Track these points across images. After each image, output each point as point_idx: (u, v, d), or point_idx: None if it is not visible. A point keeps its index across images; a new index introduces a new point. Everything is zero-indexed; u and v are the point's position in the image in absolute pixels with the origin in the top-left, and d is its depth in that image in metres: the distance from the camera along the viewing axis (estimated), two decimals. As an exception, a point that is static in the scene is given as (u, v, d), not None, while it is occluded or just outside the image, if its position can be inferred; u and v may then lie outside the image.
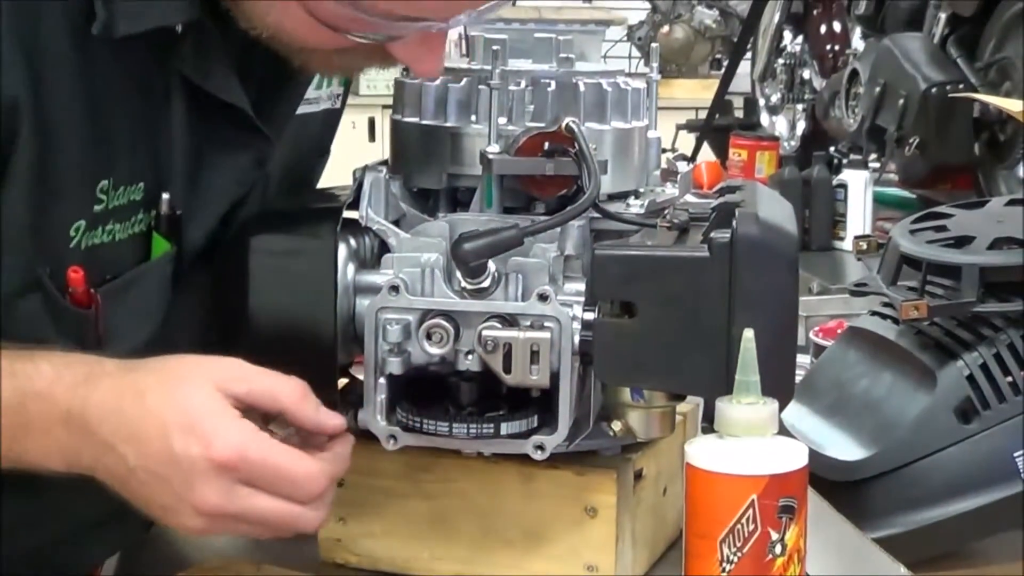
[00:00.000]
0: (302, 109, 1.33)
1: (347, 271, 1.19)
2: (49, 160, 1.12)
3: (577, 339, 1.14)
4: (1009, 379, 1.43)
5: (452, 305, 1.16)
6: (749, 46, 4.39)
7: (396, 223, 1.22)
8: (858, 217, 3.32)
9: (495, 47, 1.21)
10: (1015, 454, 1.41)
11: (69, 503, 1.20)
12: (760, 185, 1.29)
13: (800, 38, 4.07)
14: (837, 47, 3.88)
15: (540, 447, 1.17)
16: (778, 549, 1.00)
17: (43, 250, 1.14)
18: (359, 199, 1.23)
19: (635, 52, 7.05)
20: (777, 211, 1.17)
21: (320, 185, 1.41)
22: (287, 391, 1.10)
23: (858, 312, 1.69)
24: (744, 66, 4.41)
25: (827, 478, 1.41)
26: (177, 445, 1.05)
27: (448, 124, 1.24)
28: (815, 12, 4.00)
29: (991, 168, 3.01)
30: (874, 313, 1.59)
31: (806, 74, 4.02)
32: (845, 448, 1.47)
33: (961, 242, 1.52)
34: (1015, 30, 2.91)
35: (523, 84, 1.23)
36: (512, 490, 1.23)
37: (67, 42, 1.11)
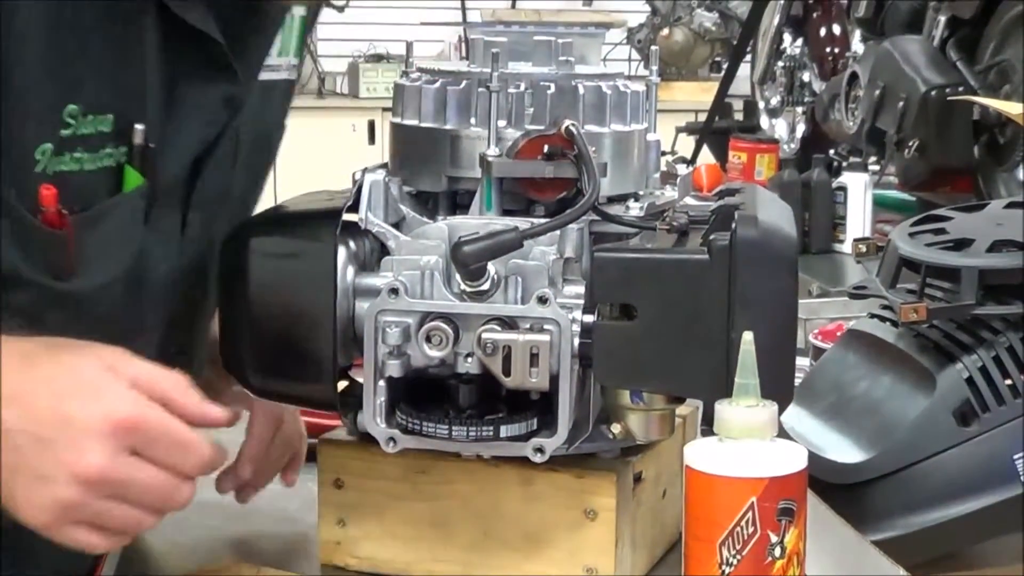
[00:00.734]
0: (265, 75, 1.33)
1: (347, 273, 1.19)
2: (10, 75, 1.10)
3: (577, 342, 1.14)
4: (1008, 382, 1.43)
5: (452, 308, 1.16)
6: (749, 49, 4.39)
7: (396, 226, 1.22)
8: (858, 220, 3.33)
9: (494, 50, 1.21)
10: (1014, 457, 1.41)
11: None
12: (760, 188, 1.29)
13: (800, 41, 4.08)
14: (837, 50, 3.89)
15: (540, 449, 1.17)
16: (777, 552, 1.00)
17: (7, 170, 1.12)
18: (359, 202, 1.23)
19: (635, 55, 7.06)
20: (776, 214, 1.17)
21: (319, 187, 1.41)
22: (171, 380, 1.07)
23: (857, 315, 1.69)
24: (744, 69, 4.41)
25: (826, 480, 1.42)
26: (71, 406, 1.02)
27: (448, 127, 1.24)
28: (815, 15, 4.00)
29: (990, 171, 3.01)
30: (873, 316, 1.59)
31: (806, 77, 4.03)
32: (844, 451, 1.47)
33: (960, 245, 1.53)
34: (1015, 33, 2.91)
35: (523, 87, 1.23)
36: (512, 493, 1.23)
37: None
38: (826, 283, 2.99)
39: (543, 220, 1.17)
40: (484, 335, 1.14)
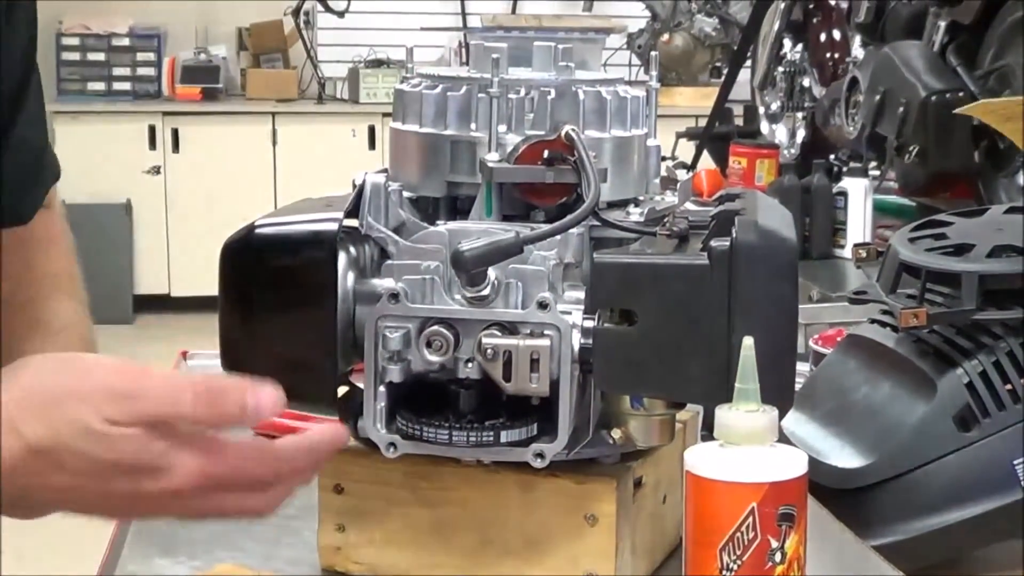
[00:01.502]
0: None
1: (347, 279, 1.19)
2: None
3: (577, 347, 1.14)
4: (1008, 387, 1.43)
5: (452, 313, 1.16)
6: (749, 54, 4.39)
7: (396, 231, 1.22)
8: (858, 225, 3.33)
9: (495, 55, 1.21)
10: (1015, 462, 1.41)
11: None
12: (760, 193, 1.29)
13: (800, 46, 4.07)
14: (837, 55, 3.89)
15: (540, 455, 1.17)
16: (778, 557, 1.00)
17: None
18: (359, 207, 1.23)
19: (635, 60, 7.07)
20: (777, 219, 1.17)
21: (319, 192, 1.41)
22: (190, 400, 1.00)
23: (858, 320, 1.69)
24: (744, 74, 4.41)
25: (827, 486, 1.42)
26: (124, 497, 1.00)
27: (448, 132, 1.24)
28: (815, 20, 4.00)
29: (991, 176, 3.01)
30: (873, 321, 1.59)
31: (806, 82, 4.03)
32: (845, 456, 1.47)
33: (960, 250, 1.52)
34: (1015, 38, 2.91)
35: (523, 92, 1.23)
36: (512, 498, 1.23)
37: None
38: (826, 288, 2.99)
39: (543, 225, 1.17)
40: (484, 340, 1.14)
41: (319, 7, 7.28)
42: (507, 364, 1.13)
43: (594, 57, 1.33)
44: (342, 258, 1.19)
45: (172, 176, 7.35)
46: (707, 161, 4.23)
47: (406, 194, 1.25)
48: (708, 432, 1.05)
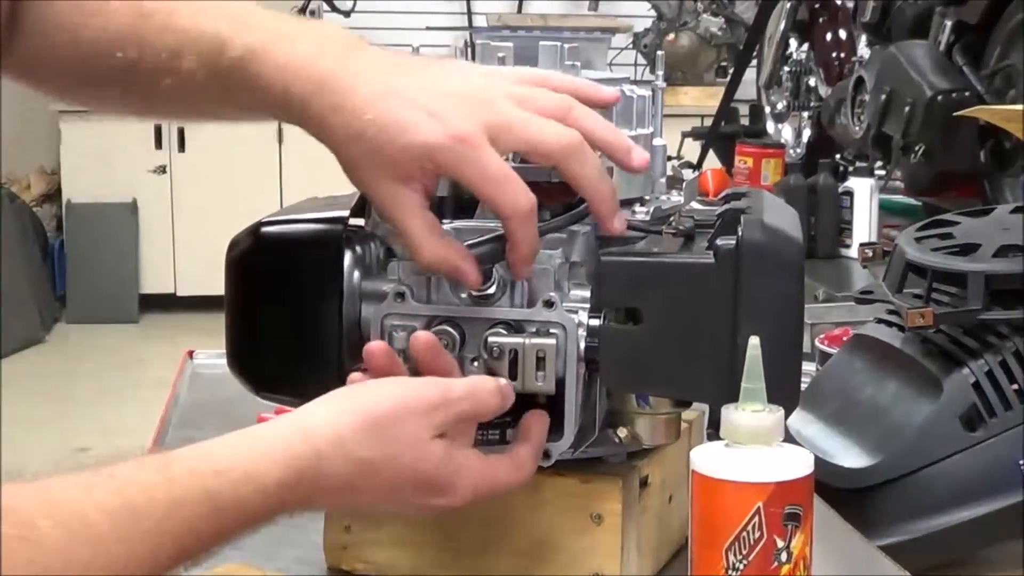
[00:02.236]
0: None
1: (352, 278, 1.19)
2: None
3: (583, 346, 1.14)
4: (1015, 387, 1.43)
5: (457, 312, 1.16)
6: (755, 54, 4.39)
7: (402, 230, 1.22)
8: (864, 224, 3.33)
9: (500, 55, 1.21)
10: (1021, 462, 1.41)
11: None
12: (766, 192, 1.29)
13: (806, 46, 4.08)
14: (843, 55, 3.89)
15: (546, 454, 1.16)
16: (784, 557, 1.00)
17: None
18: (365, 206, 1.23)
19: (641, 59, 7.07)
20: (783, 218, 1.17)
21: (326, 192, 1.41)
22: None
23: (864, 320, 1.69)
24: (750, 73, 4.42)
25: (833, 485, 1.42)
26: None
27: (454, 131, 1.23)
28: (821, 20, 4.00)
29: (997, 176, 3.01)
30: (880, 321, 1.59)
31: (812, 81, 4.03)
32: (851, 455, 1.47)
33: (967, 250, 1.52)
34: (1021, 37, 2.91)
35: (529, 91, 1.22)
36: (517, 497, 1.22)
37: None
38: (832, 288, 2.99)
39: (550, 221, 1.17)
40: (490, 339, 1.14)
41: (325, 6, 7.29)
42: (513, 363, 1.13)
43: (600, 57, 1.33)
44: (348, 257, 1.19)
45: (178, 175, 7.36)
46: (713, 160, 4.24)
47: (412, 193, 1.25)
48: (714, 431, 1.05)
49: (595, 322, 1.14)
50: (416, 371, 1.12)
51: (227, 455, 0.97)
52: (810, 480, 1.01)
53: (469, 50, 1.32)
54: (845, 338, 1.74)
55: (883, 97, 3.17)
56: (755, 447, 1.00)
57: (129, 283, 7.42)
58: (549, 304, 1.14)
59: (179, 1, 1.16)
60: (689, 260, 1.13)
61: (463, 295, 1.15)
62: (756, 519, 0.99)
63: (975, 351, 1.45)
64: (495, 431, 1.16)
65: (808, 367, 1.79)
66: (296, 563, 1.30)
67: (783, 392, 1.05)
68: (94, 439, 5.48)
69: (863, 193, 3.35)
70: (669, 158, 1.34)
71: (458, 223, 1.21)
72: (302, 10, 7.24)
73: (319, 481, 0.99)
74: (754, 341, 1.01)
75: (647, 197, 1.28)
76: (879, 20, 3.49)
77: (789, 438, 1.02)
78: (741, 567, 0.99)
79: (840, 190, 3.39)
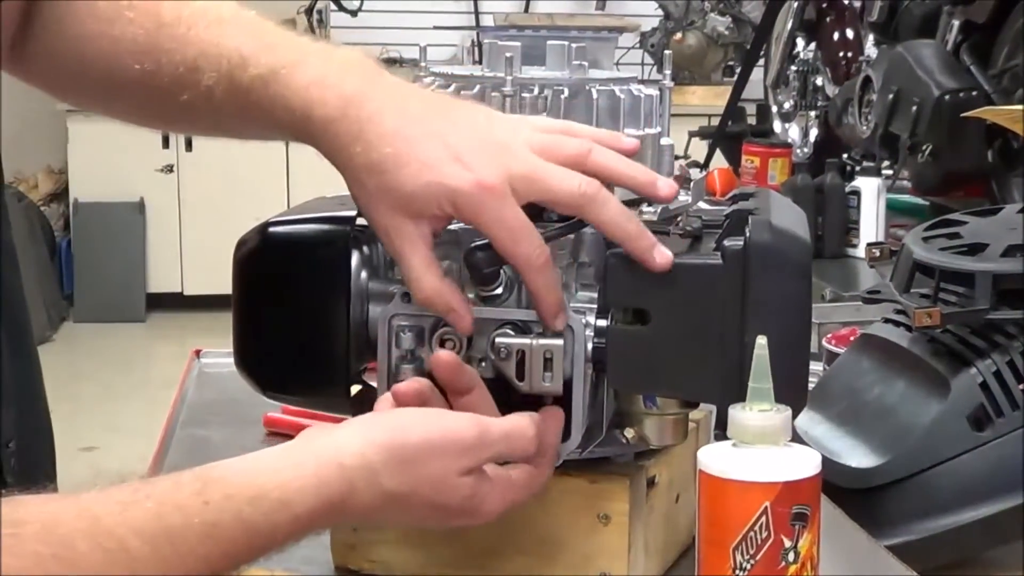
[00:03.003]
0: None
1: (360, 278, 1.19)
2: None
3: (590, 346, 1.14)
4: (1022, 386, 1.43)
5: (465, 312, 1.16)
6: (762, 53, 4.39)
7: (409, 230, 1.22)
8: (871, 224, 3.33)
9: (508, 54, 1.21)
10: (1029, 462, 1.41)
11: None
12: (773, 192, 1.29)
13: (813, 45, 4.07)
14: (850, 54, 3.88)
15: (553, 454, 1.16)
16: (791, 556, 1.00)
17: None
18: (372, 206, 1.23)
19: (648, 59, 7.07)
20: (790, 218, 1.17)
21: (334, 191, 1.41)
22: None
23: (871, 319, 1.69)
24: (757, 73, 4.41)
25: (840, 485, 1.41)
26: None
27: (461, 131, 1.23)
28: (828, 19, 4.00)
29: (1004, 175, 3.00)
30: (887, 320, 1.59)
31: (819, 81, 4.02)
32: (858, 455, 1.47)
33: (974, 249, 1.52)
34: (1029, 37, 2.91)
35: (536, 91, 1.23)
36: (525, 497, 1.23)
37: None
38: (839, 288, 2.99)
39: (557, 224, 1.17)
40: (497, 340, 1.14)
41: (332, 6, 7.29)
42: (520, 363, 1.13)
43: (607, 56, 1.33)
44: (355, 257, 1.19)
45: (185, 175, 7.36)
46: (720, 160, 4.23)
47: (419, 193, 1.25)
48: (721, 431, 1.05)
49: (602, 323, 1.14)
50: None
51: (262, 481, 0.98)
52: (817, 480, 1.01)
53: (476, 49, 1.31)
54: (852, 338, 1.73)
55: (890, 97, 3.17)
56: (762, 447, 1.00)
57: (136, 282, 7.42)
58: (556, 304, 1.14)
59: (199, 14, 1.16)
60: (697, 261, 1.13)
61: (470, 295, 1.15)
62: (763, 519, 0.99)
63: (983, 351, 1.44)
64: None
65: (815, 367, 1.78)
66: (303, 562, 1.30)
67: (790, 392, 1.05)
68: (101, 438, 5.49)
69: (870, 193, 3.35)
70: (676, 158, 1.34)
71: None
72: (308, 10, 7.24)
73: (348, 509, 1.02)
74: (761, 341, 1.01)
75: (654, 197, 1.28)
76: (886, 19, 3.49)
77: (796, 438, 1.02)
78: (748, 567, 0.99)
79: (847, 190, 3.39)
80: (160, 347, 7.02)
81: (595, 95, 1.23)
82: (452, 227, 1.19)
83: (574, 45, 1.26)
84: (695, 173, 1.35)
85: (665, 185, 1.15)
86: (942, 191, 3.25)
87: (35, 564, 0.85)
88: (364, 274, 1.20)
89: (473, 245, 1.12)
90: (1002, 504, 1.40)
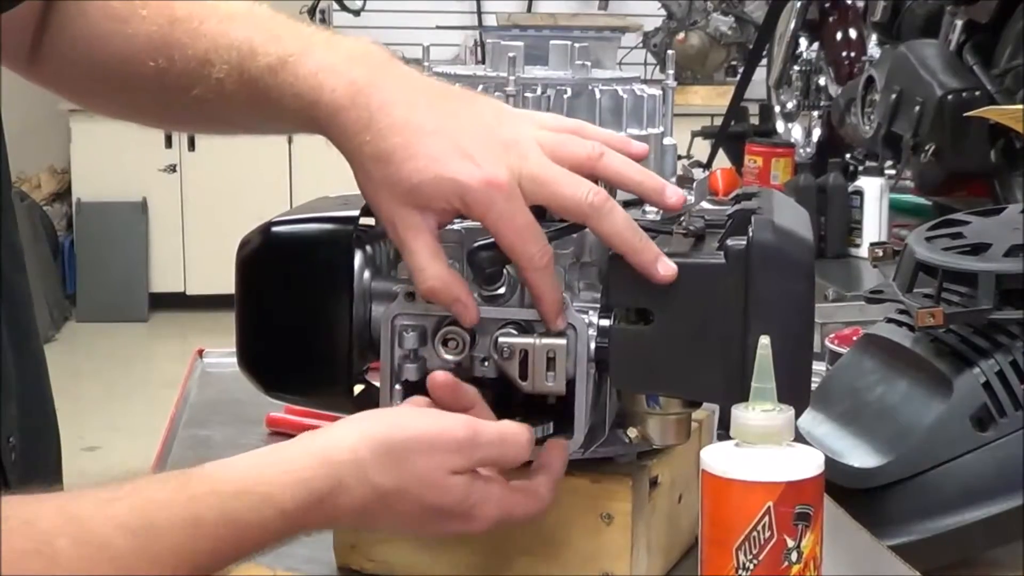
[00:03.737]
0: None
1: (363, 277, 1.19)
2: None
3: (593, 346, 1.14)
4: (1025, 387, 1.42)
5: (468, 312, 1.16)
6: (765, 53, 4.39)
7: (412, 229, 1.22)
8: (874, 224, 3.33)
9: (511, 54, 1.21)
10: (1031, 462, 1.41)
11: None
12: (776, 192, 1.29)
13: (816, 45, 4.07)
14: (853, 54, 3.89)
15: (556, 454, 1.16)
16: (794, 556, 0.99)
17: None
18: (375, 205, 1.23)
19: (651, 59, 7.06)
20: (793, 218, 1.17)
21: (337, 191, 1.42)
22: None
23: (874, 319, 1.69)
24: (760, 73, 4.41)
25: (843, 485, 1.41)
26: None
27: (464, 131, 1.23)
28: (831, 19, 4.00)
29: (1007, 175, 3.00)
30: (890, 320, 1.59)
31: (822, 81, 4.03)
32: (861, 455, 1.47)
33: (977, 249, 1.52)
34: (1032, 37, 2.90)
35: (539, 91, 1.23)
36: (528, 497, 1.23)
37: None
38: (842, 287, 2.99)
39: (559, 224, 1.17)
40: (500, 339, 1.14)
41: (335, 6, 7.30)
42: (523, 363, 1.13)
43: (609, 56, 1.33)
44: (358, 256, 1.19)
45: (188, 174, 7.36)
46: (723, 160, 4.23)
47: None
48: (724, 431, 1.05)
49: (605, 322, 1.14)
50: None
51: (248, 476, 0.98)
52: (820, 480, 1.01)
53: (479, 49, 1.31)
54: (855, 338, 1.73)
55: (893, 96, 3.17)
56: (765, 447, 1.00)
57: (139, 282, 7.43)
58: (559, 304, 1.14)
59: (209, 9, 1.16)
60: (700, 260, 1.12)
61: (473, 295, 1.15)
62: (766, 519, 0.98)
63: (986, 351, 1.44)
64: (506, 431, 1.16)
65: (818, 367, 1.78)
66: (305, 562, 1.30)
67: (793, 392, 1.05)
68: (104, 438, 5.49)
69: (873, 192, 3.35)
70: (679, 157, 1.34)
71: (469, 223, 1.20)
72: (311, 10, 7.25)
73: (338, 505, 1.01)
74: (764, 341, 1.01)
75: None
76: (889, 19, 3.49)
77: (799, 438, 1.02)
78: (751, 567, 0.99)
79: (850, 189, 3.39)
80: (162, 347, 7.03)
81: (598, 95, 1.23)
82: (455, 227, 1.19)
83: (577, 45, 1.27)
84: (698, 173, 1.35)
85: (674, 194, 1.14)
86: (945, 191, 3.25)
87: (17, 560, 0.84)
88: (367, 274, 1.20)
89: (476, 245, 1.12)
90: (1005, 504, 1.40)
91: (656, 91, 1.29)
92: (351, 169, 1.13)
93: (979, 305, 1.45)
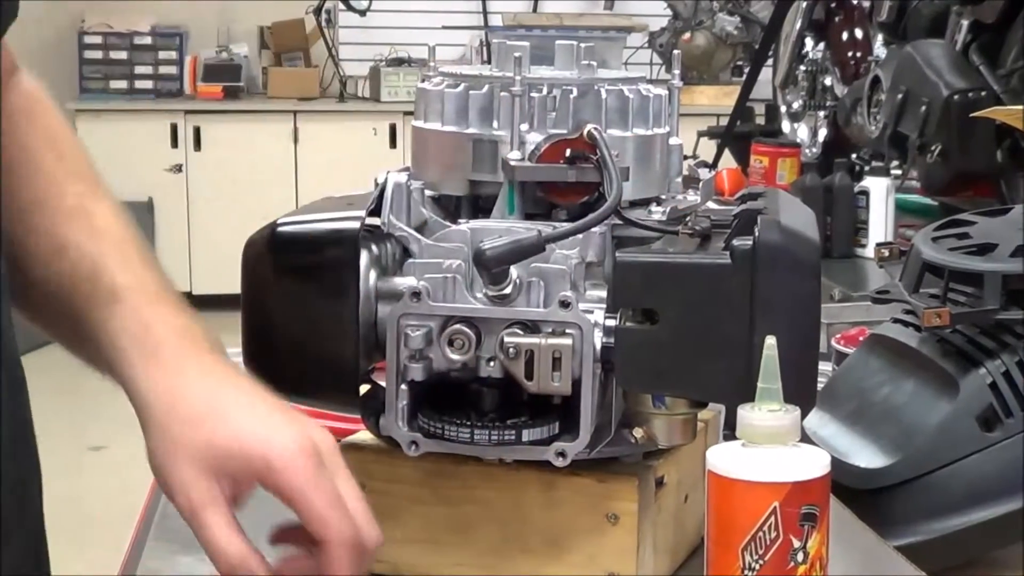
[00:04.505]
0: None
1: (369, 277, 1.19)
2: None
3: (599, 346, 1.14)
4: (1032, 387, 1.42)
5: (474, 312, 1.16)
6: (771, 53, 4.39)
7: (418, 229, 1.22)
8: (880, 224, 3.32)
9: (517, 54, 1.21)
10: (1038, 462, 1.41)
11: None
12: (782, 192, 1.29)
13: (822, 45, 4.07)
14: (859, 54, 3.88)
15: (561, 454, 1.16)
16: (800, 557, 0.99)
17: None
18: (381, 205, 1.23)
19: (656, 59, 7.06)
20: (799, 218, 1.17)
21: (342, 191, 1.42)
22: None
23: (880, 319, 1.69)
24: (766, 73, 4.41)
25: (849, 486, 1.41)
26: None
27: (470, 131, 1.24)
28: (837, 19, 4.00)
29: (1013, 175, 3.00)
30: (896, 320, 1.59)
31: (828, 81, 4.03)
32: (867, 456, 1.47)
33: (983, 249, 1.52)
34: (1038, 37, 2.90)
35: (545, 91, 1.23)
36: (533, 497, 1.23)
37: None
38: (848, 288, 2.99)
39: (565, 224, 1.17)
40: (506, 339, 1.14)
41: (341, 5, 7.29)
42: (529, 363, 1.13)
43: (615, 56, 1.34)
44: (364, 256, 1.19)
45: (194, 174, 7.37)
46: (728, 160, 4.23)
47: (428, 193, 1.25)
48: (730, 431, 1.04)
49: (611, 322, 1.14)
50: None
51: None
52: (827, 480, 1.01)
53: (485, 49, 1.31)
54: (861, 338, 1.73)
55: (899, 96, 3.17)
56: (771, 447, 1.00)
57: (145, 282, 7.42)
58: (565, 304, 1.14)
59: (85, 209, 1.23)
60: (706, 260, 1.12)
61: (479, 295, 1.15)
62: (772, 519, 0.98)
63: (992, 351, 1.44)
64: (511, 431, 1.16)
65: (824, 367, 1.78)
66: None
67: (799, 392, 1.05)
68: (110, 438, 5.49)
69: (879, 193, 3.34)
70: (685, 157, 1.34)
71: (475, 223, 1.21)
72: (317, 10, 7.25)
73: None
74: (770, 341, 1.01)
75: (663, 196, 1.28)
76: (895, 19, 3.49)
77: (805, 438, 1.02)
78: (757, 567, 0.99)
79: (856, 190, 3.38)
80: (169, 346, 7.01)
81: (604, 95, 1.23)
82: (461, 226, 1.20)
83: (583, 45, 1.26)
84: (704, 173, 1.35)
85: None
86: (951, 191, 3.25)
87: None
88: (373, 274, 1.20)
89: (482, 245, 1.12)
90: (1012, 504, 1.40)
91: (662, 91, 1.29)
92: (143, 430, 1.10)
93: (985, 305, 1.45)
